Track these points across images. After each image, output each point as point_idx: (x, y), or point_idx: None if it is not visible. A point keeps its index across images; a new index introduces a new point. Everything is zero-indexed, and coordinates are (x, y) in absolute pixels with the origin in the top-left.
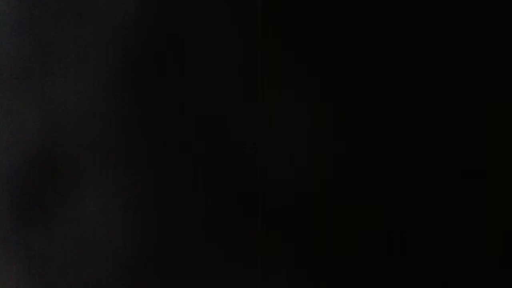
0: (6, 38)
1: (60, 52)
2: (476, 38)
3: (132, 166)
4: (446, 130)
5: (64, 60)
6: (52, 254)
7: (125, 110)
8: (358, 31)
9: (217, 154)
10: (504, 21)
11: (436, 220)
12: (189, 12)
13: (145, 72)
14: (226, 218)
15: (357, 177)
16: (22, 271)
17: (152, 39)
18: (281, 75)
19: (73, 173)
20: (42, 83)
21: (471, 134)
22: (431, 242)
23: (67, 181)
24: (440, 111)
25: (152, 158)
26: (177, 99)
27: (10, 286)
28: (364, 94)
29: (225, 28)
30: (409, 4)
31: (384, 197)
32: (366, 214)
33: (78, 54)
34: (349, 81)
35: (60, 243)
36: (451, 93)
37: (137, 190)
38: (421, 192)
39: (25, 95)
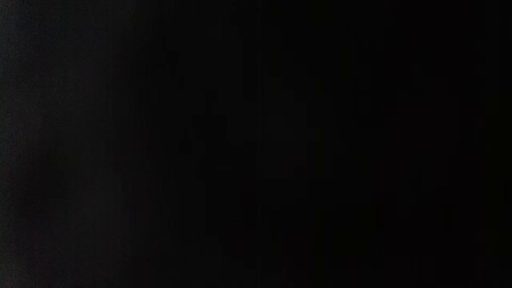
0: (6, 38)
1: (60, 52)
2: (476, 38)
3: (132, 166)
4: (446, 130)
5: (64, 60)
6: (53, 254)
7: (125, 110)
8: (358, 31)
9: (217, 154)
10: (504, 21)
11: (436, 220)
12: (188, 12)
13: (145, 72)
14: (226, 218)
15: (357, 177)
16: (22, 270)
17: (152, 39)
18: (281, 75)
19: (73, 173)
20: (42, 83)
21: (471, 134)
22: (431, 242)
23: (68, 181)
24: (440, 111)
25: (152, 158)
26: (177, 99)
27: (11, 286)
28: (364, 94)
29: (225, 28)
30: (409, 5)
31: (384, 197)
32: (366, 214)
33: (78, 54)
34: (349, 81)
35: (61, 243)
36: (451, 93)
37: (137, 190)
38: (421, 192)
39: (25, 95)
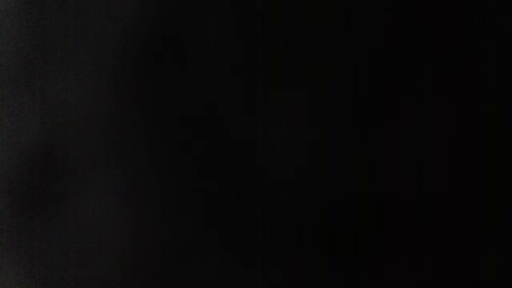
0: (6, 38)
1: (60, 52)
2: (476, 38)
3: (132, 166)
4: (446, 130)
5: (64, 60)
6: (52, 254)
7: (125, 110)
8: (358, 31)
9: (217, 154)
10: (504, 21)
11: (436, 220)
12: (189, 12)
13: (145, 72)
14: (226, 218)
15: (357, 177)
16: (22, 271)
17: (152, 39)
18: (281, 75)
19: (73, 173)
20: (42, 83)
21: (471, 134)
22: (431, 242)
23: (67, 181)
24: (440, 111)
25: (152, 158)
26: (177, 99)
27: (11, 286)
28: (364, 94)
29: (225, 28)
30: (409, 4)
31: (384, 197)
32: (366, 214)
33: (78, 54)
34: (349, 81)
35: (60, 243)
36: (451, 93)
37: (137, 190)
38: (421, 192)
39: (25, 95)
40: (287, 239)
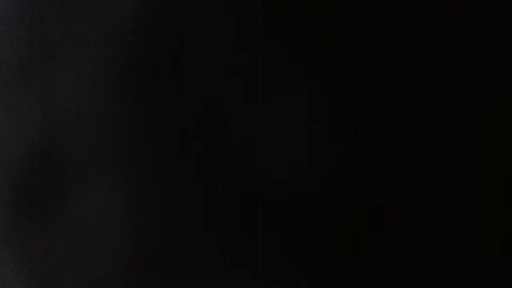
0: (6, 38)
1: (60, 52)
2: (476, 38)
3: (132, 166)
4: (446, 130)
5: (64, 60)
6: (52, 254)
7: (125, 110)
8: (358, 31)
9: (217, 154)
10: (504, 21)
11: (436, 220)
12: (189, 12)
13: (145, 72)
14: (226, 218)
15: (357, 177)
16: (22, 270)
17: (152, 39)
18: (281, 75)
19: (73, 173)
20: (42, 83)
21: (471, 134)
22: (431, 242)
23: (67, 181)
24: (440, 111)
25: (152, 158)
26: (177, 99)
27: (11, 286)
28: (364, 94)
29: (225, 28)
30: (409, 4)
31: (384, 197)
32: (366, 214)
33: (78, 54)
34: (349, 81)
35: (60, 243)
36: (451, 93)
37: (137, 190)
38: (421, 192)
39: (25, 95)
40: (287, 239)
